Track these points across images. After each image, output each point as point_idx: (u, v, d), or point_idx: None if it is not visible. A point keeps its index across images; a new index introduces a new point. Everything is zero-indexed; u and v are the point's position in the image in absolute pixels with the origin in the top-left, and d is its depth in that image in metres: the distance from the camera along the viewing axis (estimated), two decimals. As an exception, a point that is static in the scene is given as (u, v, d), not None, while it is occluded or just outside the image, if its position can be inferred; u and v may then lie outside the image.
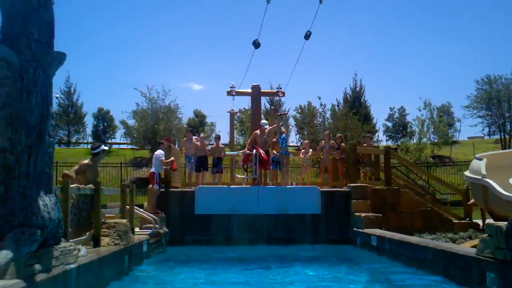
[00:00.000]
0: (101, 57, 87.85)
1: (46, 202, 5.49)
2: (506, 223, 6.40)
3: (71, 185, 7.54)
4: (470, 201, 14.44)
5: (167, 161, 13.70)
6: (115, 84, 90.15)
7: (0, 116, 5.37)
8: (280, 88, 20.23)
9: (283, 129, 16.22)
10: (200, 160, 15.44)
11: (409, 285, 8.06)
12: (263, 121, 16.26)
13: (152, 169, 13.74)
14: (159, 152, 13.84)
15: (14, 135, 5.37)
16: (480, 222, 13.85)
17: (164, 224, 13.36)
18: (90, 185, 8.52)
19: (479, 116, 42.49)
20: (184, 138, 16.38)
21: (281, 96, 20.77)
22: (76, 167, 9.18)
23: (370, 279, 8.83)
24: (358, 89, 47.16)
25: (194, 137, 16.07)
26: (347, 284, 8.22)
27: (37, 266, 5.19)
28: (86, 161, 9.24)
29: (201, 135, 17.01)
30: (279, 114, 20.53)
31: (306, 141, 18.65)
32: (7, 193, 5.25)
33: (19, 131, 5.39)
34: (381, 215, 13.35)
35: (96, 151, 9.33)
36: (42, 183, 5.55)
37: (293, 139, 43.74)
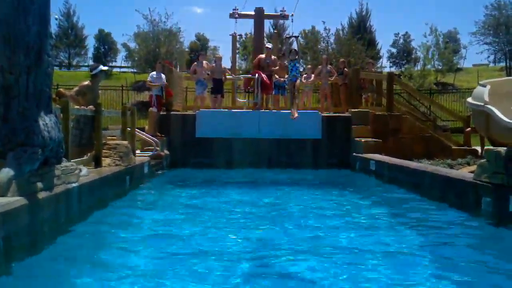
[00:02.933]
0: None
1: (46, 122, 5.50)
2: (505, 148, 6.42)
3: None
4: (468, 128, 14.42)
5: (153, 84, 13.70)
6: (116, 6, 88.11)
7: (-2, 34, 5.27)
8: (284, 11, 19.75)
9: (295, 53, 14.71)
10: (216, 83, 15.18)
11: (404, 209, 8.17)
12: (268, 43, 15.94)
13: (151, 92, 13.84)
14: (151, 74, 13.98)
15: (12, 54, 5.28)
16: (479, 149, 13.89)
17: (165, 147, 13.47)
18: (91, 106, 8.51)
19: (486, 43, 41.94)
20: (196, 62, 15.99)
21: (285, 19, 20.32)
22: (76, 88, 9.13)
23: (368, 202, 8.96)
24: (364, 13, 46.04)
25: (204, 61, 15.76)
26: (344, 206, 8.35)
27: (39, 184, 5.27)
28: (86, 83, 9.17)
29: (216, 55, 16.67)
30: (288, 36, 20.00)
31: (308, 66, 18.45)
32: (7, 112, 5.24)
33: (17, 50, 5.29)
34: (381, 140, 13.41)
35: (95, 72, 9.21)
36: (41, 103, 5.53)
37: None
